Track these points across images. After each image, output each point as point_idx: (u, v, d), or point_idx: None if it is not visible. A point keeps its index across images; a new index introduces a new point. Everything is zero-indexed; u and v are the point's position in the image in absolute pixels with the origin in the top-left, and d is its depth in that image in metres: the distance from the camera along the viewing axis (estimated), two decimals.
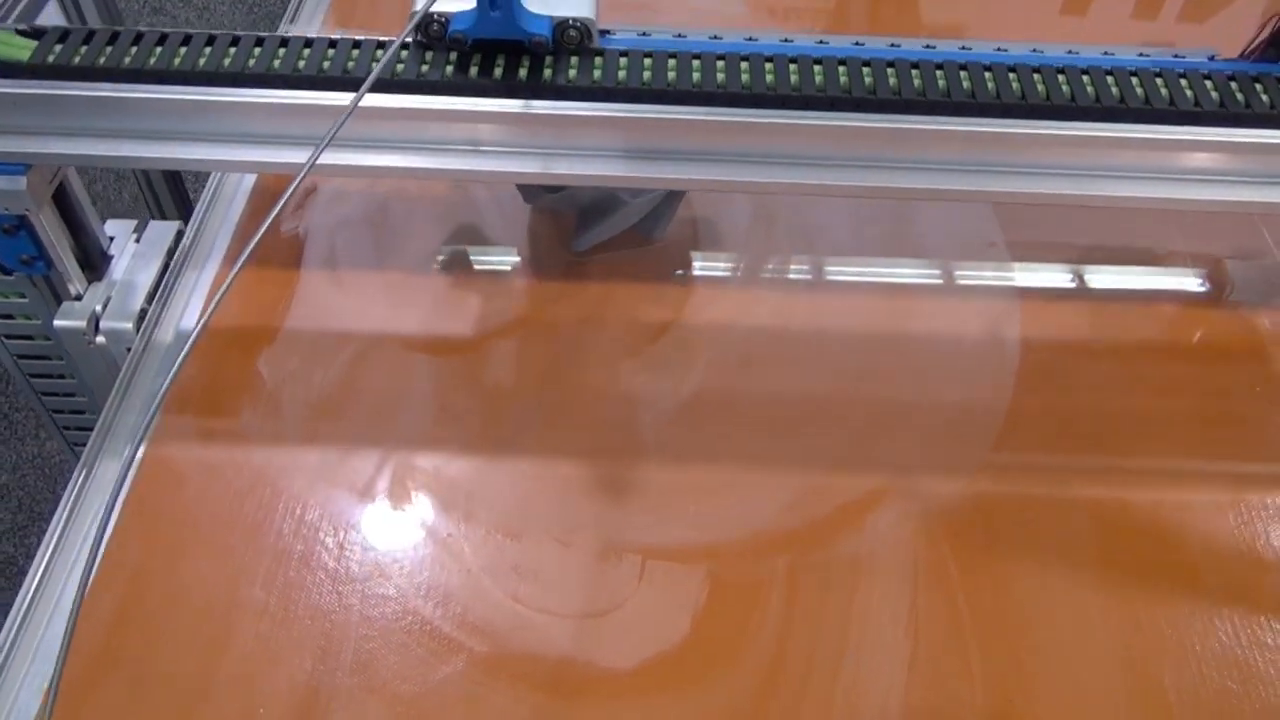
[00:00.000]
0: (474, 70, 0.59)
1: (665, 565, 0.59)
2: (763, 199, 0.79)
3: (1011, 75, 0.59)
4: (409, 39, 0.59)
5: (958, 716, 0.54)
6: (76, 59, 0.58)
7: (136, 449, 0.49)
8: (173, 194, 1.10)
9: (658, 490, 0.62)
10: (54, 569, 0.59)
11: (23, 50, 0.58)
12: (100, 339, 0.71)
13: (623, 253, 0.75)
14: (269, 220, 0.42)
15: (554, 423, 0.66)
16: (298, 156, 0.59)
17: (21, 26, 0.60)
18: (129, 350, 0.69)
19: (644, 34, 0.62)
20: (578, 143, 0.60)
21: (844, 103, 0.58)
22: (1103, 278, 0.76)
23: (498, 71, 0.59)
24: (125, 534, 0.60)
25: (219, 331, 0.70)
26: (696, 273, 0.75)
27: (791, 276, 0.75)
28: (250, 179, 0.81)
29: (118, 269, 0.74)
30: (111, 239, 0.74)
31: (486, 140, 0.60)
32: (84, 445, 0.64)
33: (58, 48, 0.58)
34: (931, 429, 0.66)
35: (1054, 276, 0.76)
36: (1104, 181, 0.59)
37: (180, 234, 0.76)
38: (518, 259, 0.75)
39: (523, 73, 0.59)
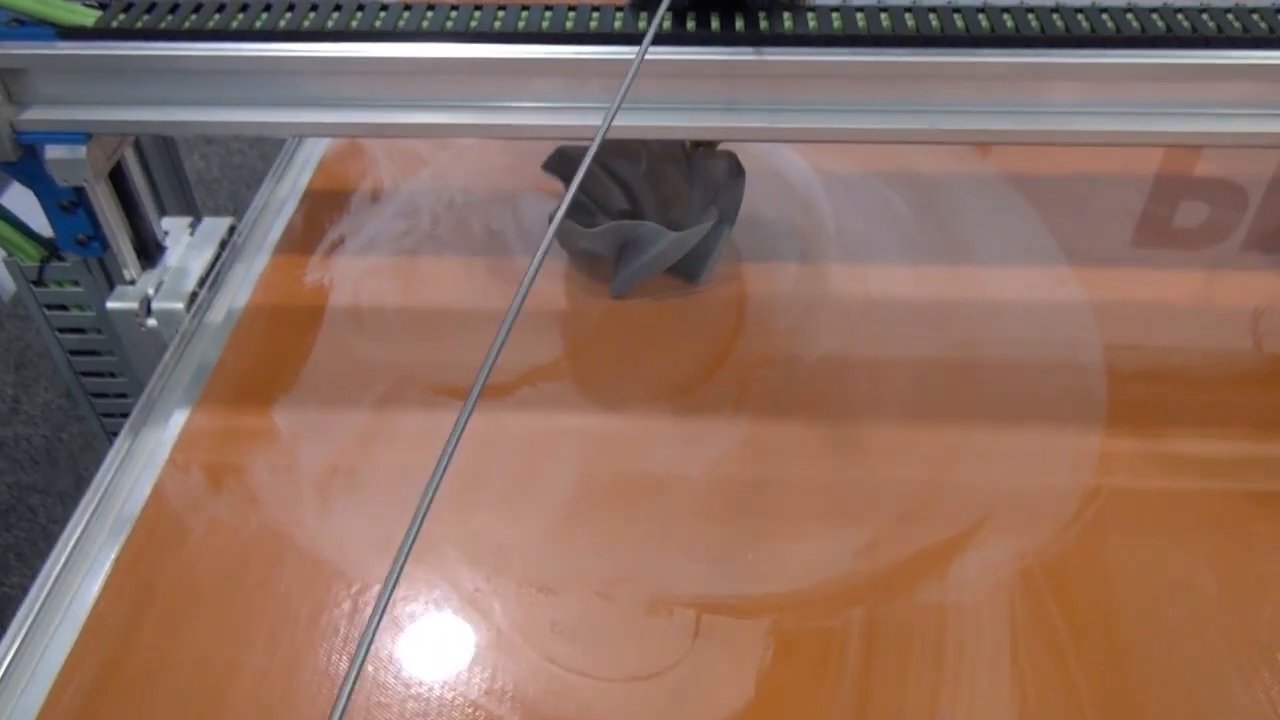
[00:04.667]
0: (713, 25, 0.58)
1: (724, 620, 0.52)
2: (814, 242, 0.74)
3: None
4: None
5: None
6: (140, 24, 0.57)
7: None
8: (177, 195, 1.07)
9: (711, 535, 0.56)
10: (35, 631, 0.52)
11: (87, 17, 0.57)
12: (151, 321, 0.71)
13: (664, 297, 0.70)
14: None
15: (591, 470, 0.59)
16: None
17: None
18: (180, 334, 0.70)
19: None
20: (805, 96, 0.59)
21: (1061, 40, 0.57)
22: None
23: (737, 24, 0.58)
24: (114, 592, 0.53)
25: (233, 377, 0.65)
26: (743, 313, 0.69)
27: (851, 313, 0.69)
28: (305, 179, 0.83)
29: (171, 258, 0.74)
30: (166, 233, 0.75)
31: (712, 98, 0.59)
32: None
33: (122, 16, 0.58)
34: (1023, 459, 0.60)
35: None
36: None
37: (233, 229, 0.78)
38: (553, 304, 0.70)
39: (743, 25, 0.58)
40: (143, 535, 0.56)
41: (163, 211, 0.75)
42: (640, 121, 0.59)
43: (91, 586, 0.54)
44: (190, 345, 0.68)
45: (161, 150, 0.98)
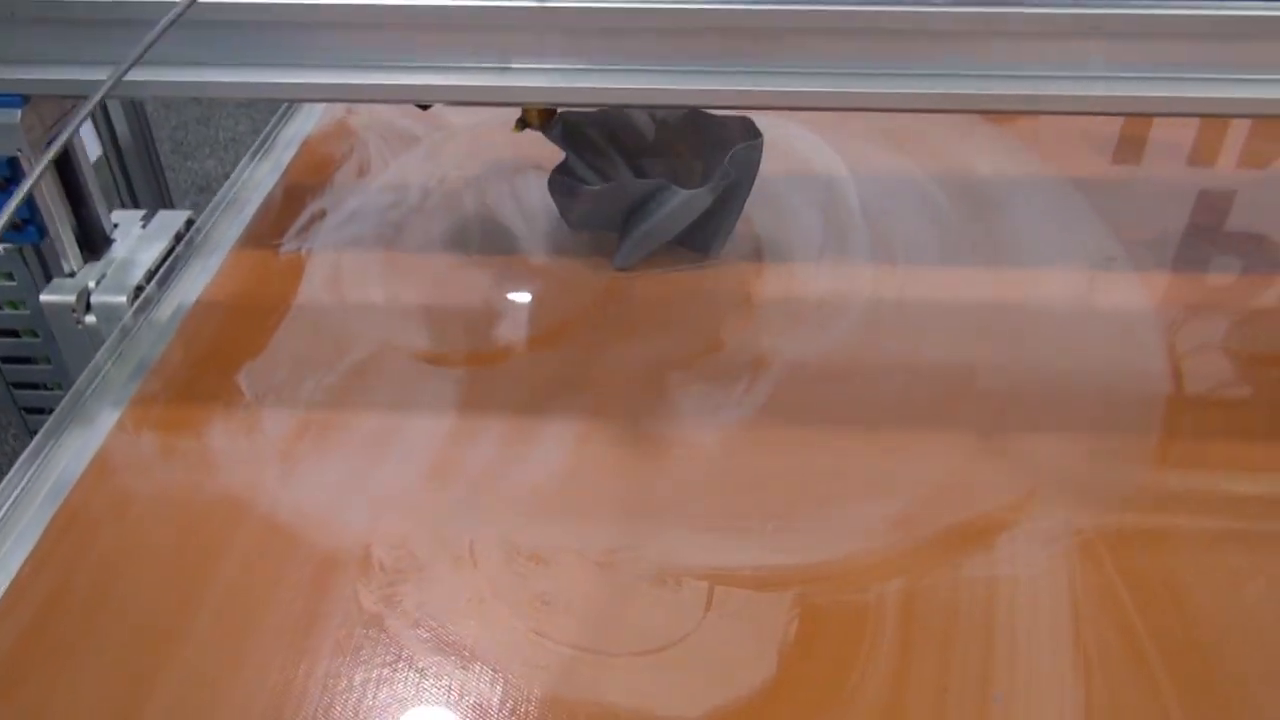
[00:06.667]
0: None
1: (741, 593, 0.45)
2: (834, 213, 0.69)
3: None
4: None
5: None
6: None
7: None
8: (154, 187, 0.99)
9: (726, 504, 0.49)
10: None
11: None
12: (90, 318, 0.62)
13: (674, 269, 0.64)
14: None
15: (590, 435, 0.53)
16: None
17: None
18: (120, 329, 0.61)
19: None
20: (809, 58, 0.52)
21: None
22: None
23: None
24: (48, 550, 0.47)
25: (198, 335, 0.60)
26: (762, 285, 0.63)
27: (881, 282, 0.63)
28: (278, 175, 0.76)
29: (119, 251, 0.66)
30: (116, 225, 0.67)
31: None
32: None
33: None
34: (1076, 426, 0.54)
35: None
36: None
37: (190, 222, 0.70)
38: (549, 276, 0.65)
39: None
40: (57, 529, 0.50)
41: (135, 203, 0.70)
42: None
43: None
44: (130, 342, 0.59)
45: (140, 146, 0.93)
